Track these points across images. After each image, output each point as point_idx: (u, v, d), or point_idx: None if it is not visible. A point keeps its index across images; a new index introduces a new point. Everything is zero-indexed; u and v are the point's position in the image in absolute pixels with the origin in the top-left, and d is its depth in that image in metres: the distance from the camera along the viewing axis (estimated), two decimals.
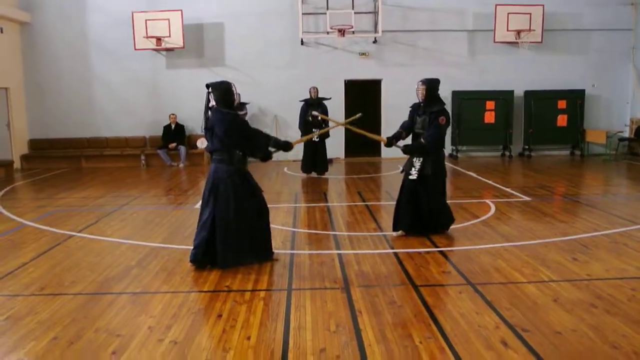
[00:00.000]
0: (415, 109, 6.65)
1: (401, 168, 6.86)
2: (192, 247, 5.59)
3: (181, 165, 14.57)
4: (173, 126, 14.76)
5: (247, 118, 14.77)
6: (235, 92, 5.46)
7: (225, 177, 5.37)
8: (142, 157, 14.81)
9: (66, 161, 14.95)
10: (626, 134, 15.52)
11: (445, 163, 6.78)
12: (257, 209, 5.55)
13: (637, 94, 15.38)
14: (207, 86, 5.52)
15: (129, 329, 4.10)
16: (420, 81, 6.53)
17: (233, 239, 5.39)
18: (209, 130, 5.45)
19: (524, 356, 3.57)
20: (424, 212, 6.51)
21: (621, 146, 15.22)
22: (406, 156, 6.63)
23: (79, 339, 3.94)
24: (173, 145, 14.60)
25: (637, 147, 15.09)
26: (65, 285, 5.13)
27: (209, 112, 5.50)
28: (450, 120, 6.46)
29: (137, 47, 14.53)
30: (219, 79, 5.62)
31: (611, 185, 11.10)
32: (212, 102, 5.48)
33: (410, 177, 6.49)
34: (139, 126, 15.31)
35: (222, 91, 5.44)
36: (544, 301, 4.51)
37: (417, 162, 6.46)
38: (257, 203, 5.57)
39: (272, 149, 5.56)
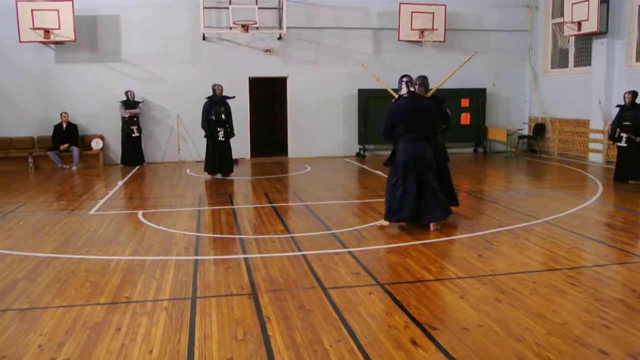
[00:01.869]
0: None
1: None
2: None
3: (74, 168, 13.67)
4: (64, 125, 13.79)
5: (141, 117, 14.19)
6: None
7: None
8: (30, 160, 13.74)
9: None
10: (525, 132, 16.39)
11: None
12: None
13: (534, 93, 16.28)
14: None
15: (15, 349, 3.73)
16: (416, 83, 7.35)
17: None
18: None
19: (433, 354, 3.58)
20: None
21: (521, 143, 16.07)
22: None
23: None
24: (65, 146, 13.67)
25: (535, 145, 15.97)
26: None
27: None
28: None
29: (22, 40, 13.41)
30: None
31: (512, 182, 11.64)
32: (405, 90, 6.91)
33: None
34: (26, 126, 14.10)
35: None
36: (451, 298, 4.58)
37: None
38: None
39: None
